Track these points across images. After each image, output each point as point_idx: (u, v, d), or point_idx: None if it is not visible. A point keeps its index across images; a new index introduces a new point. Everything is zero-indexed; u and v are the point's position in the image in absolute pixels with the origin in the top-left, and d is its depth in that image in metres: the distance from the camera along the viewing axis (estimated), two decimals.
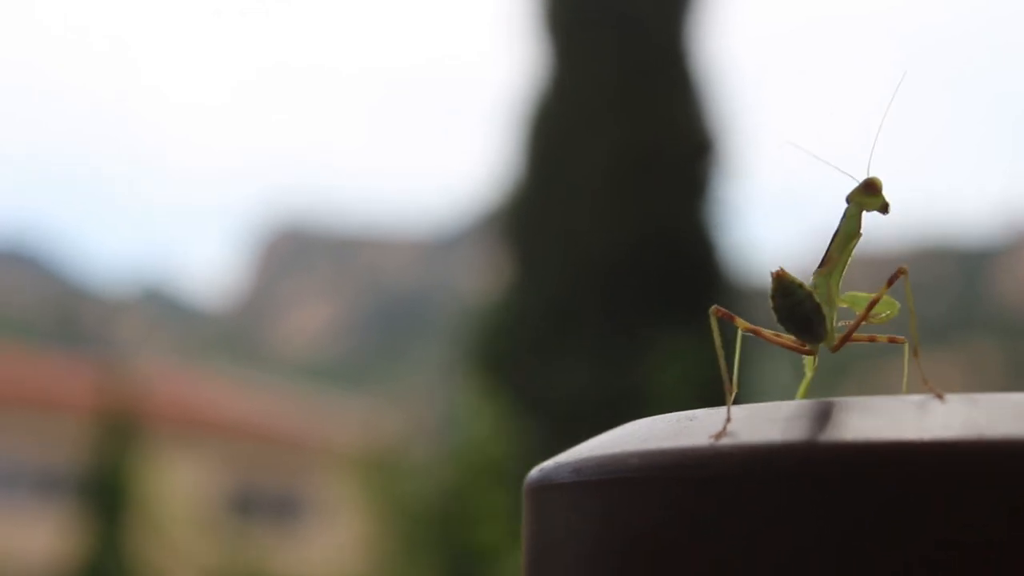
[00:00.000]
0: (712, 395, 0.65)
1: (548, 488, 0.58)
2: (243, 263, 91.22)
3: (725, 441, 0.51)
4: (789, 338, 0.69)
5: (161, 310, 76.52)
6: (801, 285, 0.68)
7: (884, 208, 0.73)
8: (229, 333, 75.07)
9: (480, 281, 12.07)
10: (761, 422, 0.53)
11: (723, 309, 0.71)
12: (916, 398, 0.53)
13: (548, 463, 0.59)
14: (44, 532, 18.45)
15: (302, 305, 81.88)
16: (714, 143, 10.33)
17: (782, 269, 0.67)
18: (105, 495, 16.06)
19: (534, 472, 0.59)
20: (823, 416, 0.52)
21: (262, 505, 22.07)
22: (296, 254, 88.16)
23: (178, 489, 20.65)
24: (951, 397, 0.54)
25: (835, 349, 0.71)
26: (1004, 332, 48.81)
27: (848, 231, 0.73)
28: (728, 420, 0.53)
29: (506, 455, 8.14)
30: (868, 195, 0.72)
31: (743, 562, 0.50)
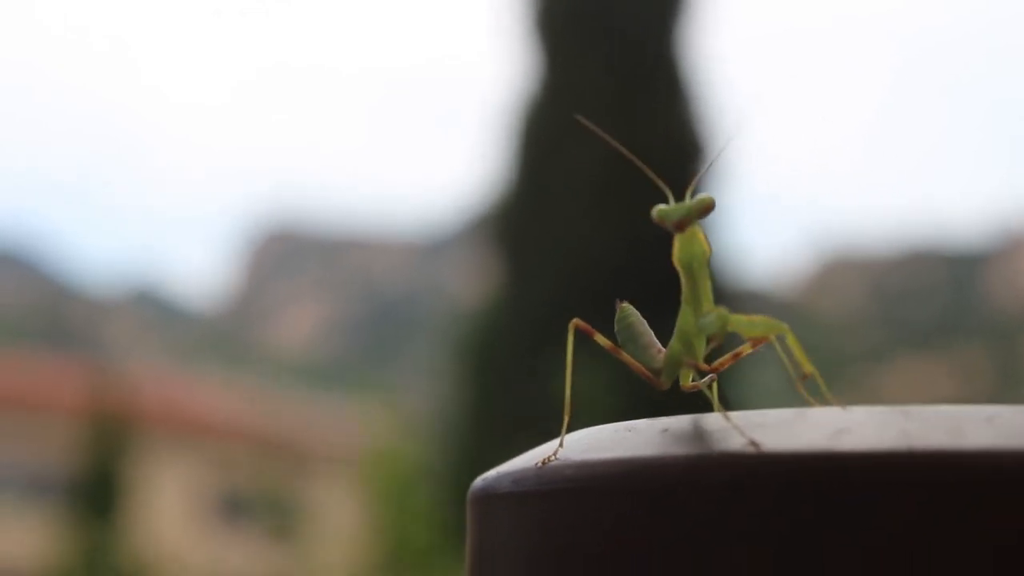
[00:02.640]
0: (698, 402, 0.64)
1: (489, 498, 0.58)
2: (233, 265, 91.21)
3: (655, 452, 0.52)
4: (639, 365, 0.66)
5: (151, 312, 76.47)
6: (631, 322, 0.66)
7: (701, 213, 0.64)
8: (219, 335, 75.04)
9: (471, 284, 12.08)
10: (691, 435, 0.53)
11: (584, 324, 0.68)
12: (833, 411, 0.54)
13: (491, 473, 0.60)
14: (34, 534, 18.42)
15: (293, 307, 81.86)
16: (706, 147, 10.34)
17: (624, 303, 0.66)
18: (96, 497, 16.04)
19: (477, 481, 0.60)
20: (753, 428, 0.53)
21: (252, 507, 22.05)
22: (287, 256, 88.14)
23: (169, 491, 20.64)
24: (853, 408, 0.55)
25: (685, 388, 0.66)
26: (993, 336, 48.86)
27: (684, 255, 0.65)
28: (560, 447, 0.55)
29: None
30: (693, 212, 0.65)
31: (677, 573, 0.50)
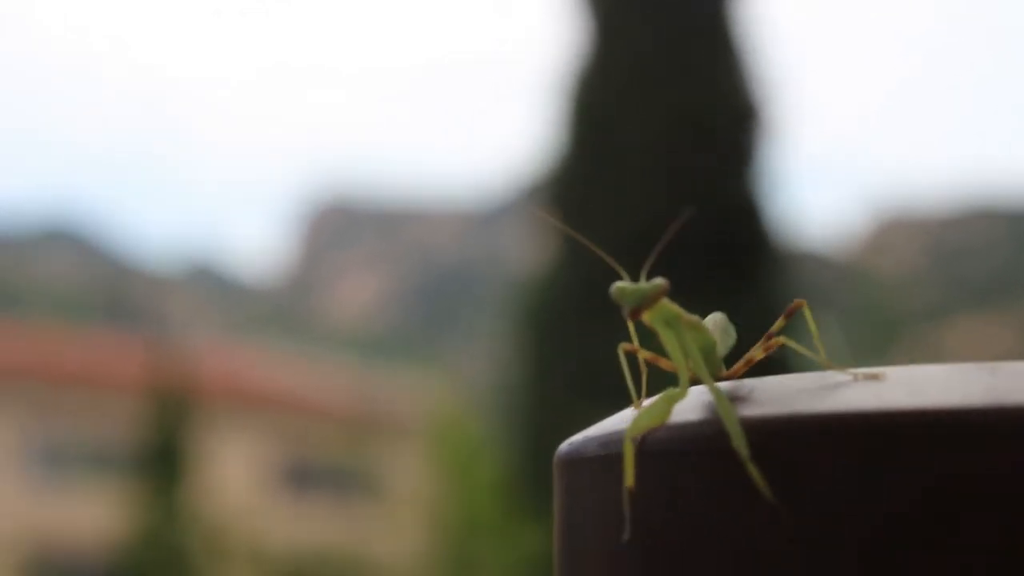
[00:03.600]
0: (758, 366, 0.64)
1: (577, 462, 0.59)
2: (291, 238, 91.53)
3: (747, 413, 0.52)
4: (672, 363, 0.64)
5: (210, 286, 76.85)
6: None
7: (655, 298, 0.62)
8: (278, 308, 75.35)
9: (527, 252, 12.09)
10: (779, 394, 0.54)
11: (629, 346, 0.68)
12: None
13: (577, 437, 0.60)
14: (100, 509, 18.60)
15: (350, 279, 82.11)
16: (759, 109, 10.30)
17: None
18: (162, 471, 16.17)
19: (564, 446, 0.61)
20: (835, 387, 0.53)
21: (315, 479, 22.16)
22: (343, 228, 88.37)
23: (233, 463, 20.77)
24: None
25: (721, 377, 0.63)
26: None
27: (659, 326, 0.63)
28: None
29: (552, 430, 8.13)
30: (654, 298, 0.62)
31: (772, 533, 0.51)
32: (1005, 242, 56.26)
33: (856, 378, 0.55)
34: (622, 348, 0.68)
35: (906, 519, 0.49)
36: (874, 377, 0.55)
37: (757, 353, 0.65)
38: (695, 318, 0.64)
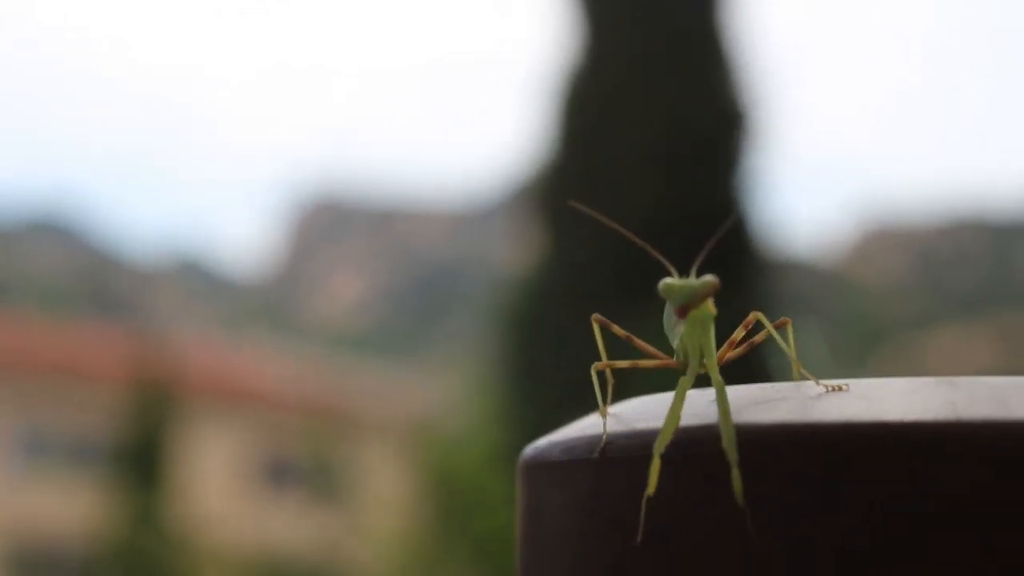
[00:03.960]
0: (733, 370, 0.64)
1: (540, 466, 0.59)
2: (279, 234, 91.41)
3: (708, 421, 0.52)
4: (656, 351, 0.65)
5: (197, 280, 76.74)
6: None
7: (705, 296, 0.62)
8: (264, 304, 75.25)
9: (514, 253, 12.09)
10: (741, 404, 0.54)
11: (602, 317, 0.68)
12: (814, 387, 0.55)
13: (541, 441, 0.60)
14: (79, 501, 18.56)
15: (338, 276, 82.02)
16: (748, 115, 10.31)
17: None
18: (142, 464, 16.15)
19: (528, 450, 0.61)
20: (803, 399, 0.54)
21: (298, 474, 22.13)
22: (332, 225, 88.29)
23: (214, 458, 20.75)
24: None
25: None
26: None
27: (692, 327, 0.62)
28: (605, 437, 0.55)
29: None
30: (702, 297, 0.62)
31: (732, 539, 0.51)
32: (989, 253, 56.35)
33: (828, 390, 0.56)
34: (595, 368, 0.67)
35: (865, 531, 0.50)
36: (838, 389, 0.56)
37: (737, 334, 0.66)
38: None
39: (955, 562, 0.49)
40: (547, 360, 9.81)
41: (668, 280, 0.63)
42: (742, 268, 9.75)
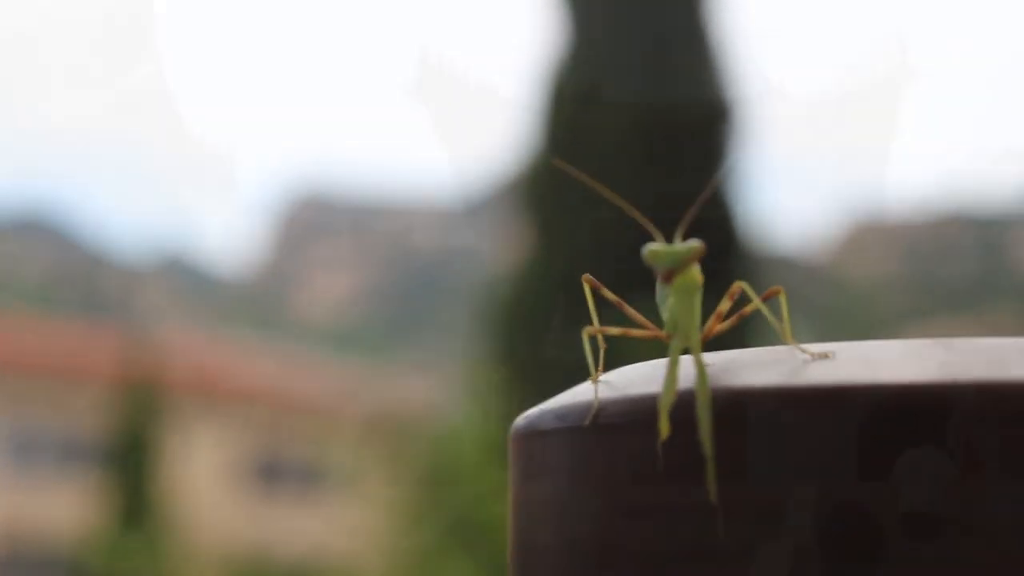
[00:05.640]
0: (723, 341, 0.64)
1: (532, 435, 0.59)
2: (265, 231, 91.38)
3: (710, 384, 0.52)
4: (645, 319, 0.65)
5: (183, 279, 76.66)
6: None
7: (690, 261, 0.62)
8: (251, 301, 75.20)
9: (502, 249, 12.09)
10: (735, 368, 0.54)
11: (592, 278, 0.68)
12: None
13: (533, 410, 0.60)
14: (67, 501, 18.55)
15: (324, 273, 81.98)
16: (733, 109, 10.33)
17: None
18: (130, 463, 16.15)
19: (520, 419, 0.60)
20: (795, 363, 0.53)
21: (285, 473, 22.13)
22: (318, 222, 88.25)
23: (203, 457, 20.73)
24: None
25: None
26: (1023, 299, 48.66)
27: (679, 292, 0.62)
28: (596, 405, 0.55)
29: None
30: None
31: (722, 506, 0.51)
32: (978, 247, 56.45)
33: (813, 357, 0.55)
34: (586, 332, 0.67)
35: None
36: (824, 356, 0.55)
37: (723, 305, 0.65)
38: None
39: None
40: (534, 355, 9.82)
41: (652, 245, 0.62)
42: (730, 265, 9.77)
